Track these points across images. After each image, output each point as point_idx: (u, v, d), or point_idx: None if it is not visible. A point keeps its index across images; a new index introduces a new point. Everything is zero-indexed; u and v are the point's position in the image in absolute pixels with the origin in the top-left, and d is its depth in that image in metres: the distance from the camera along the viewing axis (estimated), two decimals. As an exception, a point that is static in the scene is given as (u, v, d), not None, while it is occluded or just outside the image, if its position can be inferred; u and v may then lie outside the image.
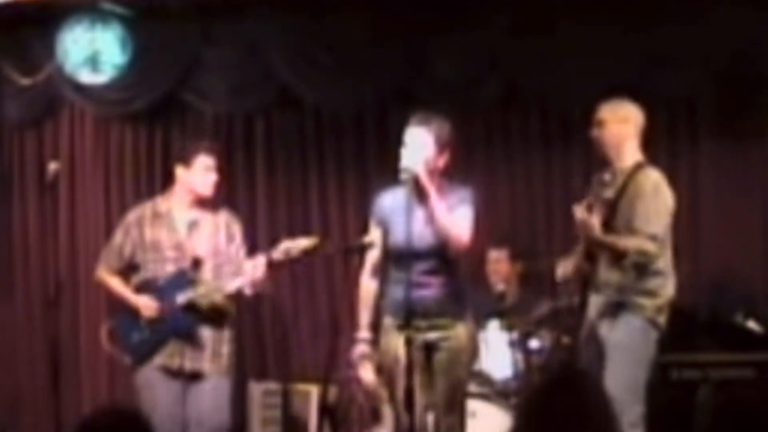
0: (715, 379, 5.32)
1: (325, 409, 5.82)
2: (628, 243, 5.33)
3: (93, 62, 7.50)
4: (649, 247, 5.33)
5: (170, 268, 5.81)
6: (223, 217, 5.99)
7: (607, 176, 5.48)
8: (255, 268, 5.65)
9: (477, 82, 7.11)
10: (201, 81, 7.56)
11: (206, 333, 5.80)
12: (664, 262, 5.44)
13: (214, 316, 5.80)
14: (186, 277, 5.74)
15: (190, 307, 5.74)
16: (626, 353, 5.32)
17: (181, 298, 5.72)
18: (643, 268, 5.35)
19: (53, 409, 6.32)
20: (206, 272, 5.76)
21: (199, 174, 5.90)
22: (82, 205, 7.86)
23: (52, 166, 6.09)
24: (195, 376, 5.77)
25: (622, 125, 5.56)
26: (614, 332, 5.41)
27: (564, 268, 5.66)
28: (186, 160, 5.92)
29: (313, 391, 6.94)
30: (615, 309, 5.41)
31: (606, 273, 5.42)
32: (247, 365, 7.44)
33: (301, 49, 7.35)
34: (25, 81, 7.70)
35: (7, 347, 7.87)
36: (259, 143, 7.67)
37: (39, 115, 7.90)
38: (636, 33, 6.78)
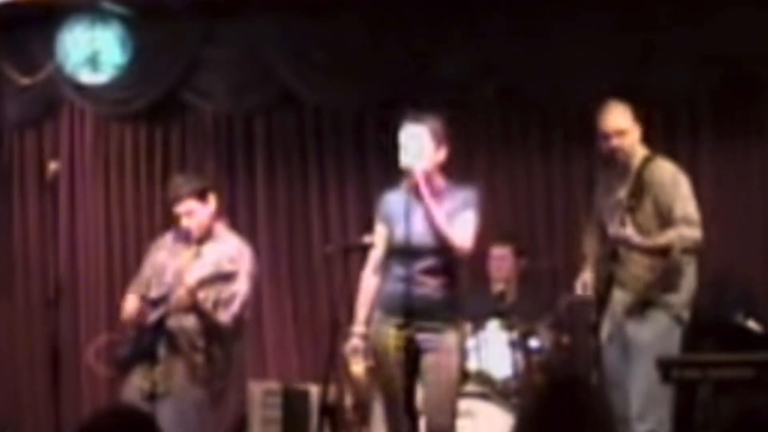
0: (715, 379, 5.31)
1: (325, 409, 5.81)
2: (669, 236, 5.38)
3: (93, 62, 7.51)
4: (689, 232, 5.39)
5: (164, 290, 5.72)
6: (231, 252, 5.76)
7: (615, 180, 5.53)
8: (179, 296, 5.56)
9: (476, 82, 7.11)
10: (201, 81, 7.57)
11: (176, 354, 5.66)
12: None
13: (187, 338, 5.69)
14: (167, 299, 5.66)
15: (162, 328, 5.65)
16: (654, 355, 5.31)
17: (153, 315, 5.67)
18: (685, 251, 5.39)
19: (53, 409, 6.31)
20: (183, 290, 5.56)
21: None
22: (82, 205, 7.86)
23: (52, 166, 6.07)
24: (163, 395, 5.64)
25: (636, 129, 5.60)
26: (641, 332, 5.43)
27: (583, 282, 5.66)
28: None
29: (313, 391, 6.94)
30: (642, 307, 5.43)
31: (637, 270, 5.44)
32: (247, 365, 7.44)
33: (301, 49, 7.35)
34: (25, 81, 7.70)
35: (7, 347, 7.87)
36: (259, 143, 7.67)
37: (39, 115, 7.90)
38: (635, 32, 6.78)
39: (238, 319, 5.74)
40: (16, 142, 8.00)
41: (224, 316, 5.67)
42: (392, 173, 5.39)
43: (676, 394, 5.51)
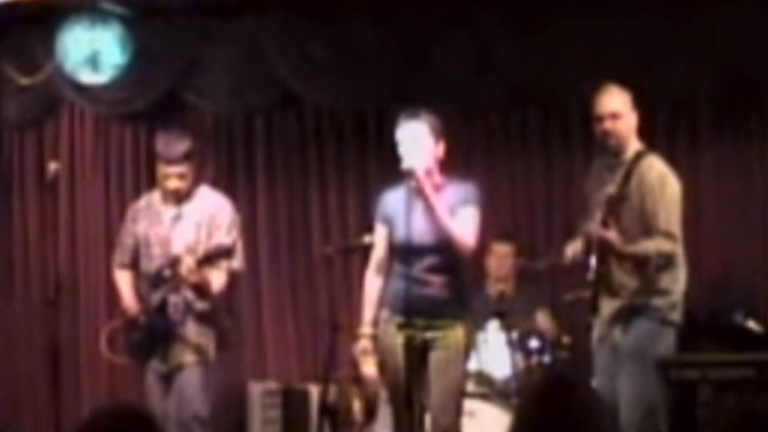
0: (715, 379, 5.31)
1: (325, 409, 5.81)
2: (648, 247, 5.26)
3: (93, 62, 7.50)
4: (667, 246, 5.26)
5: (156, 265, 5.77)
6: (210, 208, 5.82)
7: (607, 174, 5.43)
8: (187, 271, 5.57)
9: (476, 81, 7.11)
10: (201, 81, 7.56)
11: (187, 330, 5.73)
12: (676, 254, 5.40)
13: (195, 312, 5.74)
14: (162, 276, 5.69)
15: (166, 307, 5.70)
16: (641, 360, 5.25)
17: (155, 298, 5.70)
18: (658, 268, 5.32)
19: (53, 409, 6.32)
20: (185, 270, 5.60)
21: (161, 179, 5.85)
22: (82, 205, 7.86)
23: (52, 166, 6.08)
24: (178, 369, 5.74)
25: (632, 114, 5.46)
26: (627, 338, 5.32)
27: (573, 249, 5.52)
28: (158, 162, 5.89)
29: (313, 391, 6.94)
30: (628, 313, 5.34)
31: (622, 277, 5.35)
32: (247, 365, 7.44)
33: (301, 49, 7.35)
34: (25, 81, 7.70)
35: (7, 347, 7.87)
36: (259, 143, 7.68)
37: (39, 115, 7.90)
38: (636, 32, 6.78)
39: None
40: (16, 142, 8.00)
41: (220, 279, 5.72)
42: (392, 173, 5.39)
43: (676, 394, 5.50)
